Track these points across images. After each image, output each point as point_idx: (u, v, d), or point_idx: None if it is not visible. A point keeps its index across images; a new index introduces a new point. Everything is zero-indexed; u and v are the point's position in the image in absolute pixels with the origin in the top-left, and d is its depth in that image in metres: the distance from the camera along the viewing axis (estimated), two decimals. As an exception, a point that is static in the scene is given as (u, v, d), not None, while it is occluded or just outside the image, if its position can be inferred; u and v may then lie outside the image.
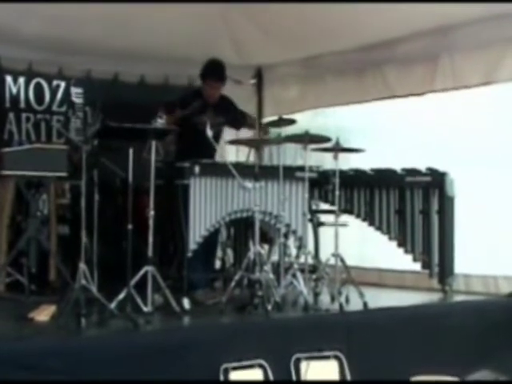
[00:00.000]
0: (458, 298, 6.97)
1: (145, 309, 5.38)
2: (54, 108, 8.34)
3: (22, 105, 8.17)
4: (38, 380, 4.32)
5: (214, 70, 6.68)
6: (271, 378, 5.06)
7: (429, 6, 6.53)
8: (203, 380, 4.88)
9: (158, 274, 5.50)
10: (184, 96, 6.86)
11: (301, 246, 6.78)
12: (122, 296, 5.33)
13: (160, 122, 5.72)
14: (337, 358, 5.35)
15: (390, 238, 7.05)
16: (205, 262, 6.53)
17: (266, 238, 6.90)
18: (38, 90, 8.25)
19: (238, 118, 7.02)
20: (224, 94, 6.87)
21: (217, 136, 6.67)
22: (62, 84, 8.35)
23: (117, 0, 6.74)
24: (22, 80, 8.15)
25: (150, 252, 5.50)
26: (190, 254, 6.09)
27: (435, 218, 6.95)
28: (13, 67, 8.06)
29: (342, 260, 6.29)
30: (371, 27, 7.30)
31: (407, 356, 5.69)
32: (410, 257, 7.04)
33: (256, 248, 6.01)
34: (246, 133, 7.37)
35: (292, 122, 6.46)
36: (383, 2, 6.60)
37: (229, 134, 7.30)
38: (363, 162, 7.19)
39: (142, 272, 5.47)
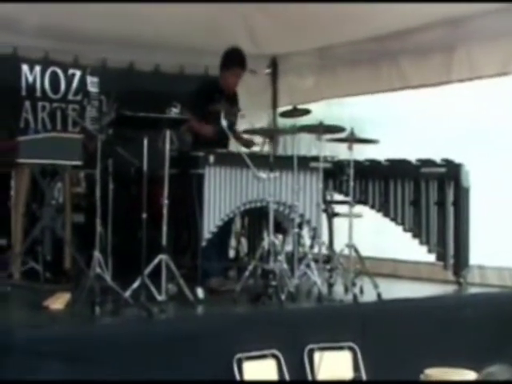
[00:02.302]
0: (473, 290, 6.95)
1: (159, 298, 5.39)
2: (70, 97, 8.35)
3: (38, 93, 8.19)
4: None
5: (240, 58, 6.68)
6: (284, 368, 5.07)
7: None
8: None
9: (172, 262, 5.50)
10: (202, 91, 6.76)
11: (315, 237, 6.78)
12: (136, 285, 5.34)
13: (175, 111, 5.72)
14: (351, 348, 5.36)
15: (405, 229, 7.02)
16: (219, 251, 6.53)
17: (280, 228, 6.91)
18: (54, 78, 8.26)
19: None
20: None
21: (231, 126, 6.62)
22: (78, 73, 8.37)
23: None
24: (37, 69, 8.16)
25: (164, 241, 5.51)
26: (204, 244, 6.10)
27: (450, 210, 6.92)
28: (29, 56, 8.07)
29: (357, 250, 6.27)
30: (386, 17, 7.26)
31: (421, 347, 5.68)
32: (424, 248, 7.01)
33: (270, 238, 6.01)
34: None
35: (307, 112, 6.45)
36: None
37: (243, 123, 7.28)
38: (378, 153, 7.16)
39: (156, 261, 5.47)
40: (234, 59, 6.69)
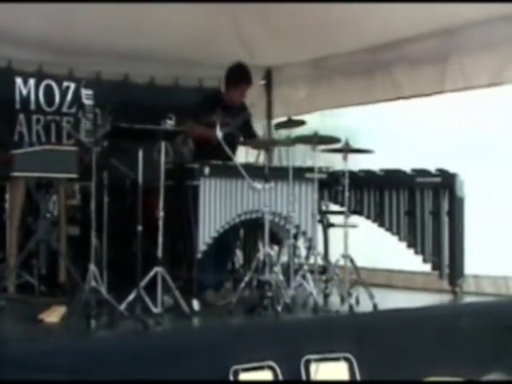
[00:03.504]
0: (469, 299, 6.94)
1: (154, 310, 5.38)
2: (64, 109, 8.36)
3: (33, 106, 8.19)
4: (39, 380, 4.32)
5: (245, 74, 6.72)
6: (281, 379, 5.06)
7: (437, 6, 6.52)
8: (206, 380, 4.87)
9: (167, 275, 5.50)
10: (206, 102, 6.77)
11: (310, 247, 6.77)
12: (131, 297, 5.34)
13: (169, 123, 5.72)
14: (347, 359, 5.34)
15: (400, 239, 7.04)
16: (217, 264, 6.52)
17: (276, 239, 6.91)
18: (48, 91, 8.27)
19: (247, 131, 6.97)
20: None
21: (228, 137, 6.54)
22: (72, 85, 8.37)
23: (127, 1, 6.74)
24: (32, 81, 8.17)
25: (159, 253, 5.51)
26: (199, 255, 6.09)
27: (445, 219, 6.93)
28: (23, 69, 8.08)
29: (352, 261, 6.27)
30: (379, 28, 7.29)
31: (417, 358, 5.68)
32: (420, 258, 7.02)
33: (266, 249, 6.02)
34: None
35: (301, 123, 6.46)
36: (391, 2, 6.59)
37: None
38: (373, 163, 7.18)
39: (151, 273, 5.47)
40: (241, 75, 6.73)
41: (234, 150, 6.64)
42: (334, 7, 6.84)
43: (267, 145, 6.90)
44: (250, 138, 6.97)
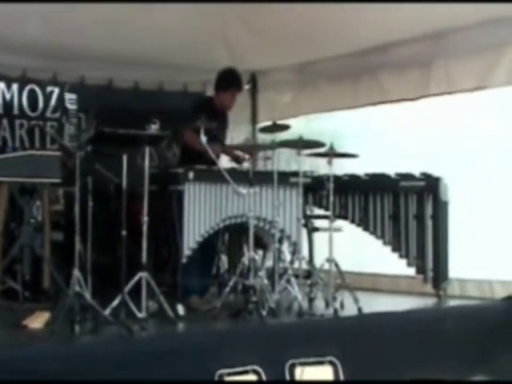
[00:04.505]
0: (453, 302, 6.98)
1: (139, 315, 5.37)
2: (48, 114, 8.34)
3: (16, 111, 8.17)
4: (38, 380, 4.31)
5: (236, 79, 6.74)
6: (266, 383, 5.06)
7: (422, 11, 6.54)
8: (203, 380, 4.87)
9: (152, 280, 5.49)
10: (198, 107, 6.71)
11: (295, 252, 6.77)
12: (116, 302, 5.32)
13: (154, 127, 5.71)
14: (331, 363, 5.33)
15: (385, 243, 7.05)
16: (201, 268, 6.51)
17: (261, 244, 6.91)
18: (32, 96, 8.25)
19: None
20: None
21: (212, 141, 6.52)
22: (56, 90, 8.35)
23: (110, 1, 6.72)
24: (15, 86, 8.15)
25: (144, 258, 5.50)
26: (184, 260, 6.08)
27: (429, 223, 6.96)
28: (6, 74, 8.05)
29: (337, 265, 6.29)
30: (365, 32, 7.31)
31: (402, 361, 5.67)
32: (404, 262, 7.04)
33: (250, 254, 6.02)
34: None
35: (286, 127, 6.46)
36: (377, 1, 6.59)
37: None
38: (357, 167, 7.20)
39: (136, 278, 5.46)
40: (231, 80, 6.75)
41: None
42: (320, 12, 6.85)
43: (252, 149, 6.90)
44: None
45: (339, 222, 6.80)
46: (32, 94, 8.24)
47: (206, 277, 6.75)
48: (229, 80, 6.77)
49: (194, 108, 6.79)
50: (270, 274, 6.45)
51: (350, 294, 6.27)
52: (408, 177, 7.01)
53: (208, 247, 6.42)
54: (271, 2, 6.92)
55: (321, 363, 5.30)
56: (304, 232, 7.05)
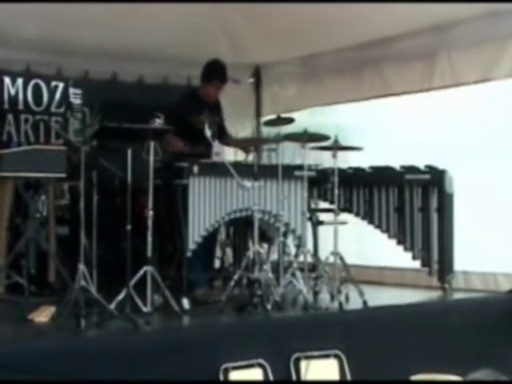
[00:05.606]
0: (458, 295, 6.97)
1: (144, 309, 5.38)
2: (53, 109, 8.34)
3: (21, 106, 8.18)
4: (38, 380, 4.32)
5: (220, 71, 6.70)
6: (271, 377, 5.06)
7: (426, 3, 6.53)
8: (203, 380, 4.88)
9: (157, 274, 5.49)
10: (181, 103, 6.76)
11: (300, 245, 6.78)
12: (121, 296, 5.33)
13: (158, 121, 5.72)
14: (337, 356, 5.35)
15: (390, 236, 7.04)
16: (204, 262, 6.52)
17: (266, 237, 6.90)
18: (37, 91, 8.25)
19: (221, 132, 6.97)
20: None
21: (214, 135, 6.60)
22: (61, 85, 8.36)
23: (115, 0, 6.73)
24: (20, 81, 8.16)
25: (149, 252, 5.50)
26: (189, 254, 6.09)
27: (434, 216, 6.95)
28: (11, 68, 8.06)
29: (342, 258, 6.29)
30: (369, 25, 7.30)
31: (407, 354, 5.68)
32: (409, 254, 7.03)
33: (255, 247, 6.02)
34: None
35: (290, 120, 6.46)
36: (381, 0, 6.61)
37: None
38: (362, 160, 7.19)
39: (141, 272, 5.46)
40: (214, 72, 6.71)
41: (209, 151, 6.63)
42: (323, 5, 6.83)
43: (256, 143, 6.90)
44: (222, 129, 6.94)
45: (344, 216, 6.79)
46: (37, 88, 8.24)
47: (208, 270, 6.76)
48: (212, 72, 6.73)
49: (179, 101, 6.78)
50: (275, 268, 6.45)
51: (355, 287, 6.27)
52: (413, 169, 7.00)
53: (208, 239, 6.41)
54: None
55: (326, 356, 5.32)
56: (309, 225, 7.05)
